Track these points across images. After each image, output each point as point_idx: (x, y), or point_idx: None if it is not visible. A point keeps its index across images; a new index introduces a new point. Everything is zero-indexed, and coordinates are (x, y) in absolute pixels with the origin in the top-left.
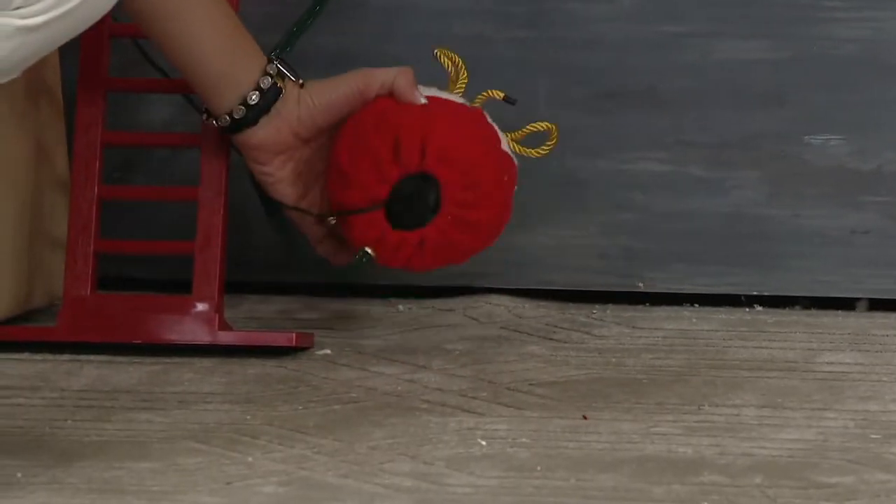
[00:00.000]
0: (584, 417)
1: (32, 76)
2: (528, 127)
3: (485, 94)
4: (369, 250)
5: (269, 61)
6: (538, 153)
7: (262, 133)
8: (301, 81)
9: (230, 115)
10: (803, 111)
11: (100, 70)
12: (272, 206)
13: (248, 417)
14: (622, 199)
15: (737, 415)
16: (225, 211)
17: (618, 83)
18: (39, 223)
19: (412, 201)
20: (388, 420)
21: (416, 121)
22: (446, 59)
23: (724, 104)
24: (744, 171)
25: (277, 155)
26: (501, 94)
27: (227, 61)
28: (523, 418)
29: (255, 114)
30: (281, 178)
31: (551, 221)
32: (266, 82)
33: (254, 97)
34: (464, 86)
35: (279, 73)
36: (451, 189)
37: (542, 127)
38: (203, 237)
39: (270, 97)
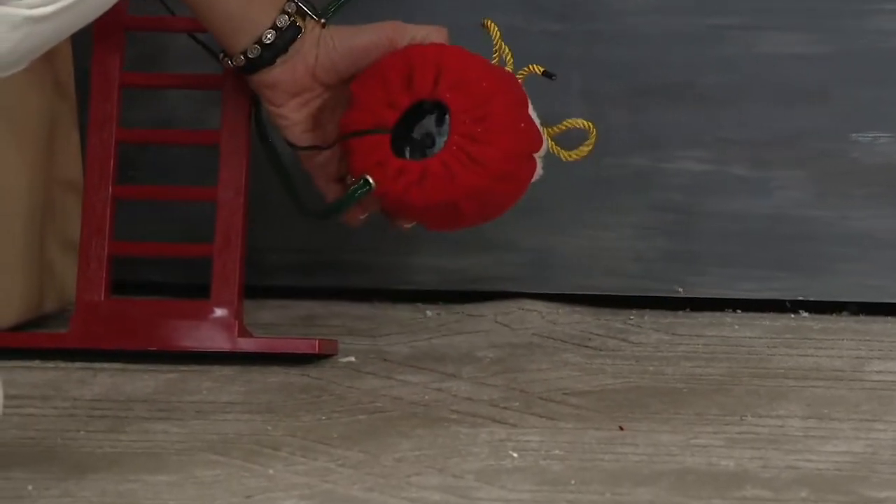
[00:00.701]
0: (621, 428)
1: (44, 72)
2: (565, 123)
3: (524, 70)
4: (369, 177)
5: (289, 0)
6: (576, 156)
7: (278, 72)
8: (323, 21)
9: (245, 54)
10: (850, 107)
11: (114, 65)
12: (273, 152)
13: (269, 428)
14: (660, 200)
15: (781, 426)
16: (245, 211)
17: (654, 78)
18: (51, 224)
19: (419, 130)
20: (415, 431)
21: (435, 53)
22: (495, 30)
23: (766, 100)
24: (788, 171)
25: (293, 97)
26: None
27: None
28: (557, 429)
29: (270, 53)
30: (296, 122)
31: (585, 223)
32: (283, 21)
33: (269, 36)
34: (505, 57)
35: (298, 10)
36: (460, 118)
37: (580, 124)
38: (222, 239)
39: (288, 36)
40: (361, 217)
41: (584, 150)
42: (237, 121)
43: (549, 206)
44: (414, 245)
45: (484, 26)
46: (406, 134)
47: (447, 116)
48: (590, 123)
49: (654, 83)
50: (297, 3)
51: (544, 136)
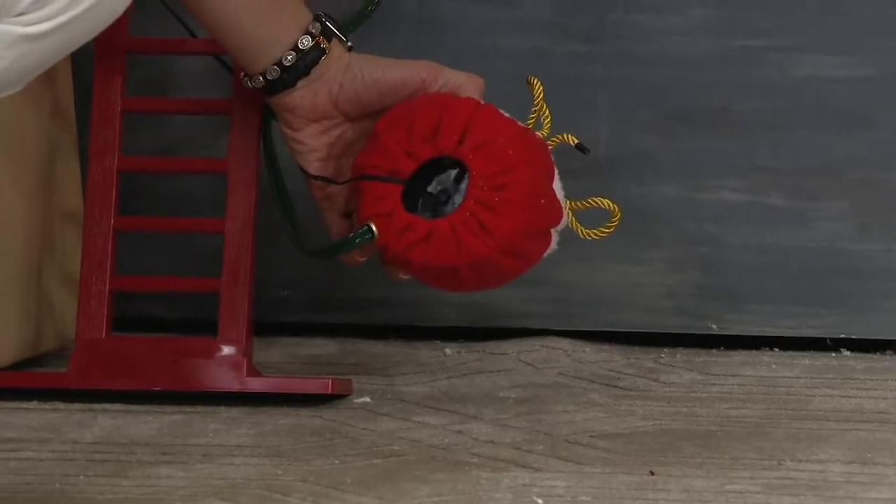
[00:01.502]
0: (651, 473)
1: (43, 96)
2: (590, 200)
3: (557, 137)
4: (373, 226)
5: (315, 20)
6: (595, 235)
7: (299, 95)
8: (350, 44)
9: (263, 75)
10: (894, 133)
11: (116, 90)
12: (279, 179)
13: (280, 472)
14: (693, 232)
15: (822, 471)
16: (253, 244)
17: (686, 102)
18: (49, 258)
19: (437, 184)
20: (433, 476)
21: (468, 110)
22: (539, 89)
23: (805, 126)
24: (829, 201)
25: (312, 122)
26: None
27: (260, 19)
28: (583, 474)
29: (291, 76)
30: (312, 149)
31: (614, 256)
32: (306, 42)
33: (290, 58)
34: (542, 120)
35: (324, 31)
36: (478, 183)
37: (605, 205)
38: (229, 273)
39: (310, 58)
40: (361, 259)
41: (606, 230)
42: (246, 149)
43: (576, 238)
44: None
45: (529, 84)
46: (422, 185)
47: (467, 176)
48: (615, 205)
49: (686, 108)
50: (322, 23)
51: (566, 210)
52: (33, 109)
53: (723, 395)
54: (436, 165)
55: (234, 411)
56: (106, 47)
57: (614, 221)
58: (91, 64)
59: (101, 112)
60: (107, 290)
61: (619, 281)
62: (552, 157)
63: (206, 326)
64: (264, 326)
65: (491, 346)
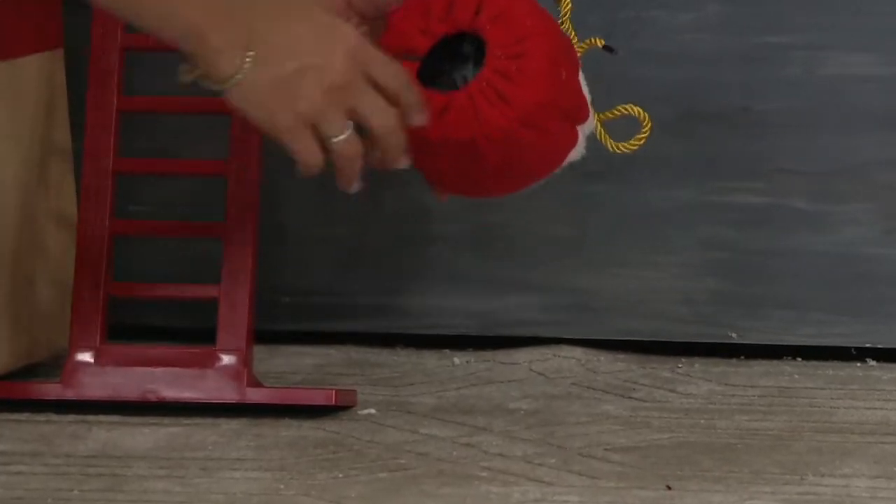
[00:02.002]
0: (668, 488)
1: (37, 95)
2: (617, 108)
3: (585, 42)
4: None
5: None
6: (625, 148)
7: None
8: None
9: None
10: None
11: (111, 88)
12: None
13: (282, 487)
14: (711, 236)
15: (846, 486)
16: (254, 249)
17: (706, 102)
18: (42, 264)
19: (452, 62)
20: (441, 490)
21: None
22: (567, 4)
23: (830, 127)
24: (854, 204)
25: None
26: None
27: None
28: (597, 488)
29: None
30: None
31: (629, 262)
32: None
33: None
34: (568, 32)
35: None
36: (495, 53)
37: (634, 112)
38: (229, 280)
39: None
40: (358, 171)
41: (636, 143)
42: (246, 150)
43: (590, 242)
44: (440, 286)
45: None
46: (439, 62)
47: (484, 48)
48: (645, 113)
49: (705, 108)
50: None
51: (592, 115)
52: (26, 110)
53: (742, 407)
54: (452, 43)
55: (235, 423)
56: (101, 45)
57: (645, 132)
58: (86, 62)
59: (96, 112)
60: (101, 297)
61: (635, 287)
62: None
63: (204, 335)
64: (265, 335)
65: (501, 355)
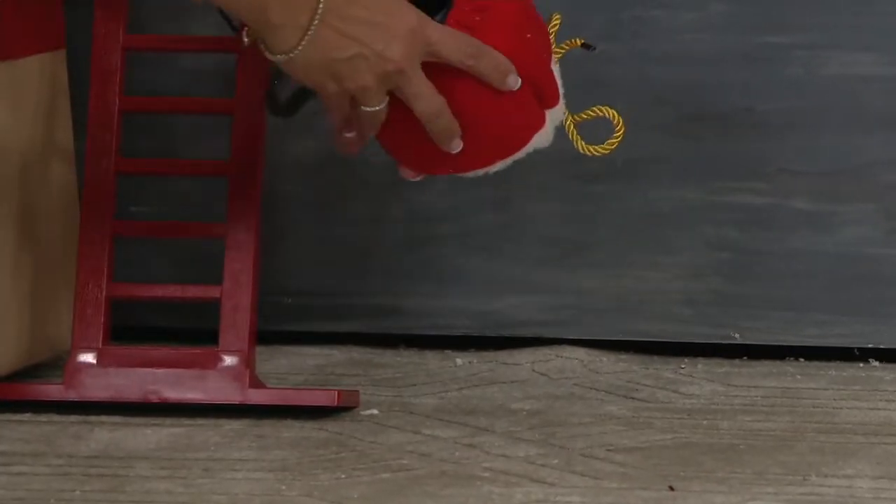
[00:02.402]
0: (671, 489)
1: (38, 95)
2: (592, 109)
3: (565, 43)
4: None
5: None
6: (596, 151)
7: None
8: None
9: None
10: None
11: (113, 89)
12: (299, 98)
13: (284, 488)
14: (714, 237)
15: (849, 487)
16: (257, 250)
17: (708, 103)
18: (44, 264)
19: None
20: (444, 491)
21: None
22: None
23: (833, 127)
24: (856, 205)
25: None
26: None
27: None
28: (600, 489)
29: None
30: None
31: (631, 262)
32: None
33: None
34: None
35: None
36: (462, 6)
37: (607, 113)
38: (231, 281)
39: None
40: (349, 134)
41: (608, 146)
42: (248, 150)
43: (592, 243)
44: (442, 286)
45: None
46: None
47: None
48: (618, 116)
49: (707, 108)
50: None
51: (562, 105)
52: (27, 110)
53: (745, 408)
54: (421, 5)
55: (237, 424)
56: (103, 45)
57: (617, 135)
58: (87, 63)
59: (98, 112)
60: (103, 298)
61: (637, 288)
62: (550, 38)
63: (207, 336)
64: (268, 335)
65: (503, 355)
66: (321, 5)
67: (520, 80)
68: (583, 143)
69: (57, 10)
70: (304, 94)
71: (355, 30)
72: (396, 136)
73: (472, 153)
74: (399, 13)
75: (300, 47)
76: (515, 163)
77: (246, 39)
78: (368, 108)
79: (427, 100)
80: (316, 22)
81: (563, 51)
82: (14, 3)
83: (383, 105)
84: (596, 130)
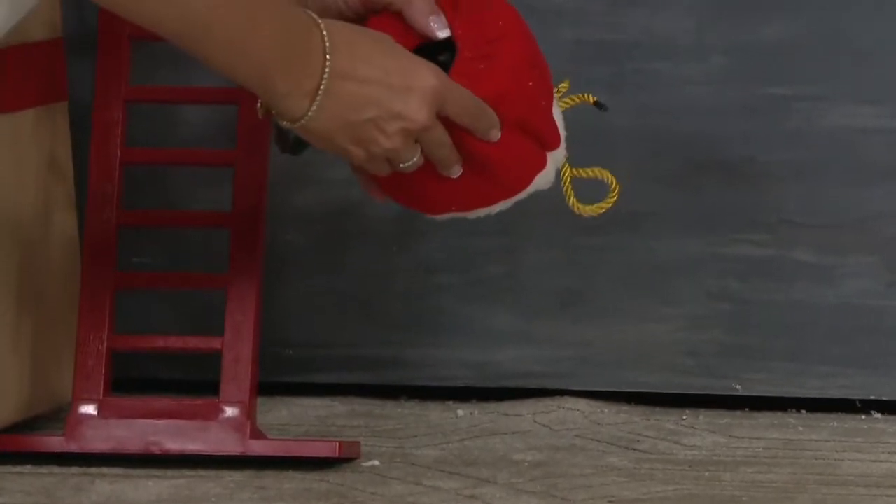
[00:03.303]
0: None
1: (39, 148)
2: (589, 169)
3: (576, 97)
4: None
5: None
6: (590, 211)
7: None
8: None
9: None
10: None
11: (115, 141)
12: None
13: None
14: (715, 288)
15: None
16: (258, 301)
17: (710, 154)
18: (45, 315)
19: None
20: None
21: None
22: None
23: (835, 178)
24: (858, 257)
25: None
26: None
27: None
28: None
29: None
30: None
31: (633, 313)
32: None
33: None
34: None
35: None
36: (465, 55)
37: (603, 176)
38: (232, 332)
39: None
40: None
41: (601, 208)
42: (250, 201)
43: (593, 294)
44: (444, 337)
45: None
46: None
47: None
48: (615, 180)
49: (710, 159)
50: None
51: (563, 148)
52: (29, 163)
53: (747, 459)
54: (429, 51)
55: (238, 475)
56: (104, 97)
57: (612, 197)
58: (89, 113)
59: (99, 164)
60: (105, 349)
61: (639, 339)
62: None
63: (208, 387)
64: (269, 386)
65: (505, 406)
66: (327, 69)
67: (500, 133)
68: (574, 199)
69: (59, 63)
70: None
71: (369, 90)
72: (399, 177)
73: (474, 192)
74: (417, 73)
75: (310, 113)
76: (517, 212)
77: (260, 110)
78: (405, 165)
79: (442, 149)
80: (322, 87)
81: (570, 104)
82: (16, 56)
83: (419, 156)
84: (593, 186)
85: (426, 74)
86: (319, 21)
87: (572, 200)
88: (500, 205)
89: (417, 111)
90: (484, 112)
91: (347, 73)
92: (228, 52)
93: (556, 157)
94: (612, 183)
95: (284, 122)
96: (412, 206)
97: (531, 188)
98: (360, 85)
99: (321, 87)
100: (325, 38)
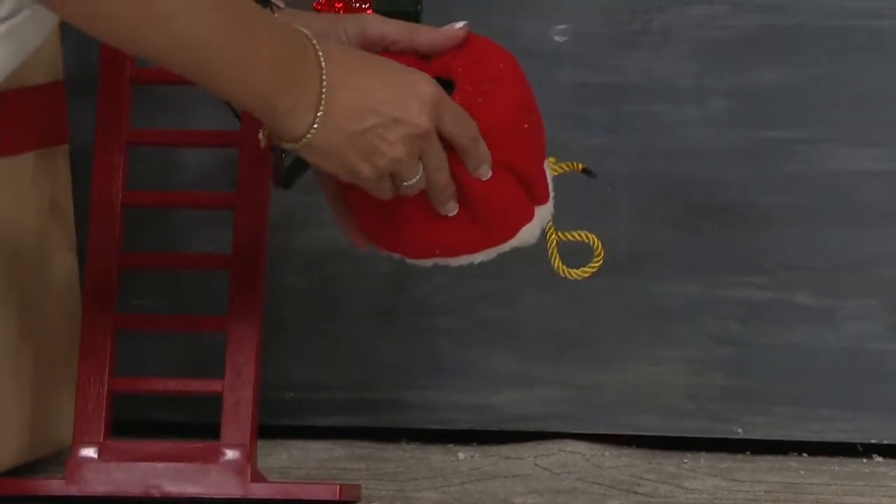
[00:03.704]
0: None
1: (40, 190)
2: (576, 233)
3: (565, 164)
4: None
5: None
6: (576, 275)
7: None
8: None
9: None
10: None
11: (116, 183)
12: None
13: None
14: (716, 331)
15: None
16: (259, 344)
17: (710, 197)
18: (45, 358)
19: None
20: None
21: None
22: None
23: (835, 221)
24: (858, 300)
25: None
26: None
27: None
28: None
29: None
30: None
31: (634, 356)
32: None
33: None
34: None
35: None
36: (465, 88)
37: (589, 240)
38: (233, 374)
39: None
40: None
41: (588, 270)
42: (251, 244)
43: (594, 337)
44: (445, 380)
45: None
46: None
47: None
48: (599, 243)
49: (709, 202)
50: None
51: (551, 203)
52: (29, 204)
53: (749, 503)
54: None
55: None
56: (105, 140)
57: (597, 261)
58: (90, 155)
59: (100, 206)
60: (105, 392)
61: (640, 382)
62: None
63: (208, 430)
64: (269, 429)
65: (506, 449)
66: (325, 81)
67: (491, 171)
68: (560, 262)
69: (59, 106)
70: (300, 165)
71: (366, 99)
72: (384, 219)
73: (459, 236)
74: (414, 81)
75: (315, 127)
76: (516, 255)
77: (262, 139)
78: (408, 183)
79: (441, 171)
80: (323, 99)
81: (560, 171)
82: (16, 99)
83: (420, 176)
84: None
85: (423, 83)
86: (309, 34)
87: (558, 263)
88: (483, 253)
89: (417, 115)
90: (478, 140)
91: (344, 83)
92: (230, 74)
93: (543, 213)
94: (597, 247)
95: (287, 144)
96: (396, 251)
97: (515, 241)
98: (358, 94)
99: (322, 100)
100: (318, 51)
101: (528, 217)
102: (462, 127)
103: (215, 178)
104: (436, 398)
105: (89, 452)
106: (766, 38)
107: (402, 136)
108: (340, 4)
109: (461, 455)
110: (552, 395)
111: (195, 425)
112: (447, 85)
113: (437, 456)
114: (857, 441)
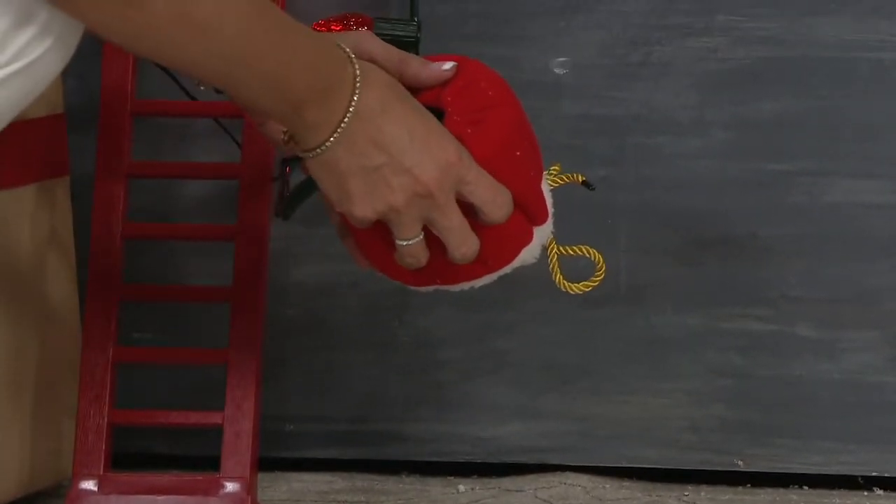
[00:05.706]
0: None
1: (40, 223)
2: (577, 247)
3: (565, 175)
4: None
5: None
6: (577, 289)
7: None
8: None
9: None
10: None
11: (116, 215)
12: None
13: None
14: (717, 363)
15: None
16: (258, 377)
17: (711, 229)
18: (45, 391)
19: None
20: None
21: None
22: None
23: (836, 254)
24: (859, 332)
25: None
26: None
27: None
28: None
29: None
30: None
31: (635, 388)
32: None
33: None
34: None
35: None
36: (453, 118)
37: (590, 255)
38: (233, 407)
39: None
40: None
41: (590, 284)
42: (251, 276)
43: (595, 369)
44: (445, 412)
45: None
46: None
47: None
48: (602, 259)
49: (711, 234)
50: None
51: (551, 223)
52: (29, 236)
53: None
54: None
55: None
56: (105, 172)
57: (598, 275)
58: (90, 186)
59: (100, 238)
60: (105, 425)
61: (640, 414)
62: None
63: (209, 462)
64: (269, 461)
65: (507, 482)
66: (353, 105)
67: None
68: (561, 276)
69: (60, 138)
70: (300, 194)
71: (386, 140)
72: (385, 248)
73: (460, 267)
74: (440, 143)
75: (331, 140)
76: (518, 287)
77: (283, 139)
78: (402, 242)
79: (458, 236)
80: (346, 121)
81: (559, 183)
82: (16, 132)
83: (418, 239)
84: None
85: (449, 146)
86: (353, 57)
87: (559, 278)
88: (484, 279)
89: (427, 173)
90: (497, 210)
91: (371, 118)
92: (264, 83)
93: (543, 233)
94: (598, 262)
95: (298, 149)
96: (396, 278)
97: (516, 262)
98: (380, 133)
99: (344, 122)
100: (357, 71)
101: (528, 239)
102: (483, 197)
103: (215, 209)
104: (436, 430)
105: (89, 485)
106: (767, 71)
107: (404, 185)
108: (338, 27)
109: (461, 487)
110: (553, 427)
111: (195, 457)
112: (437, 114)
113: (437, 488)
114: (858, 474)
